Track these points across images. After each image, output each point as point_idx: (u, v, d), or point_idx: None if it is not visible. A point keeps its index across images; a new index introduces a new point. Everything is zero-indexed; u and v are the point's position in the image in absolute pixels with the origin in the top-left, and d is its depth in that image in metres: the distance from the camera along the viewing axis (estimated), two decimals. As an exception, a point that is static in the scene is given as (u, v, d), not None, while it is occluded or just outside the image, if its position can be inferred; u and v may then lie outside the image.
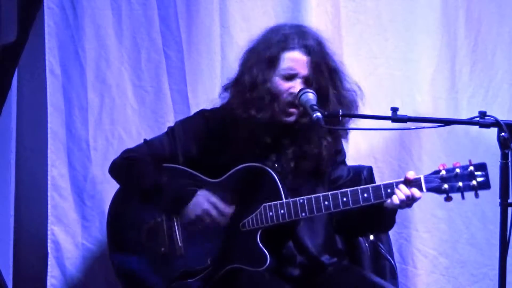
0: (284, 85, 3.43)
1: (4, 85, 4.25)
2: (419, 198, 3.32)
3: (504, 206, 3.07)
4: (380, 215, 3.40)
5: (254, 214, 3.45)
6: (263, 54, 3.45)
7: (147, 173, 3.57)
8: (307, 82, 3.43)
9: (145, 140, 3.68)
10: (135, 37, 4.35)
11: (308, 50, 3.43)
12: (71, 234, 4.36)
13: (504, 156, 3.06)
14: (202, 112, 3.64)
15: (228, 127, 3.50)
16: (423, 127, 3.28)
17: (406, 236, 4.28)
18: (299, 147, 3.48)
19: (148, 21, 4.34)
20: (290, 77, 3.43)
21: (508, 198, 3.07)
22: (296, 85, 3.42)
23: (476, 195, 3.26)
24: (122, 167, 3.64)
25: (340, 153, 3.61)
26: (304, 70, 3.43)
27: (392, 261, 3.98)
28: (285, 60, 3.43)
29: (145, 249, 3.59)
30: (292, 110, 3.43)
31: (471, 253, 4.26)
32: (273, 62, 3.43)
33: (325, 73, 3.45)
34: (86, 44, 4.34)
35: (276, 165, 3.50)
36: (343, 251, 3.67)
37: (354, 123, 3.49)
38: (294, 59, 3.43)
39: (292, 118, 3.44)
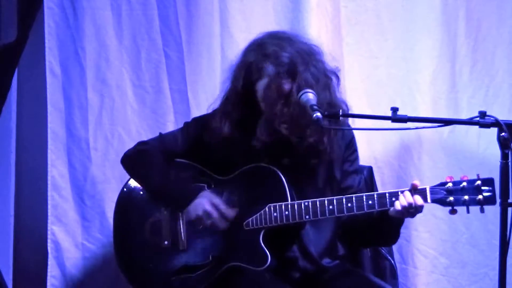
0: (270, 108, 3.41)
1: (4, 85, 4.25)
2: (421, 206, 3.30)
3: (504, 206, 3.06)
4: (384, 225, 3.40)
5: (258, 214, 3.45)
6: (238, 87, 3.45)
7: (156, 167, 3.61)
8: (288, 98, 3.39)
9: (160, 134, 3.70)
10: (135, 37, 4.35)
11: (281, 74, 3.38)
12: (71, 234, 4.36)
13: (504, 156, 3.05)
14: (217, 111, 3.64)
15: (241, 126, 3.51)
16: (423, 127, 3.28)
17: (406, 236, 4.28)
18: (309, 150, 3.47)
19: (148, 21, 4.34)
20: (271, 101, 3.41)
21: (508, 198, 3.06)
22: (280, 106, 3.40)
23: (482, 210, 3.26)
24: (133, 159, 3.68)
25: (352, 163, 3.59)
26: (279, 91, 3.40)
27: (392, 261, 3.98)
28: (259, 89, 3.41)
29: (149, 242, 3.61)
30: (285, 125, 3.42)
31: (471, 253, 4.26)
32: (248, 92, 3.43)
33: (298, 80, 3.40)
34: (86, 44, 4.34)
35: (286, 167, 3.49)
36: (345, 256, 3.67)
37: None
38: (266, 88, 3.40)
39: (288, 131, 3.43)
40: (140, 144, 3.72)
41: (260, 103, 3.44)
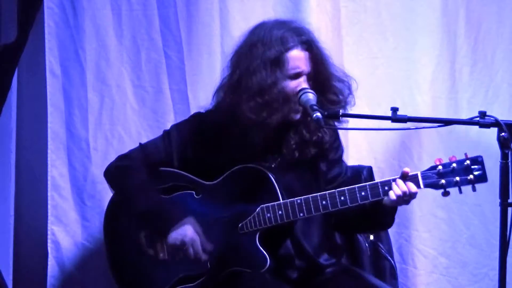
0: (291, 84, 3.42)
1: (4, 85, 4.25)
2: (415, 193, 3.32)
3: (504, 206, 3.07)
4: (378, 213, 3.40)
5: (251, 216, 3.44)
6: (265, 55, 3.41)
7: (138, 187, 3.55)
8: (310, 77, 3.43)
9: (140, 144, 3.67)
10: (135, 37, 4.35)
11: (306, 46, 3.43)
12: (71, 234, 4.36)
13: (504, 156, 3.06)
14: (197, 115, 3.63)
15: (223, 128, 3.49)
16: (423, 127, 3.29)
17: (406, 236, 4.28)
18: (298, 138, 3.47)
19: (148, 21, 4.34)
20: (295, 76, 3.42)
21: (508, 198, 3.07)
22: (302, 83, 3.41)
23: (473, 189, 3.27)
24: (115, 175, 3.63)
25: (336, 150, 3.59)
26: (306, 67, 3.43)
27: (392, 261, 3.98)
28: (289, 60, 3.41)
29: (144, 255, 3.57)
30: (299, 107, 3.42)
31: (471, 253, 4.26)
32: (277, 63, 3.41)
33: (321, 65, 3.45)
34: (86, 44, 4.34)
35: (273, 165, 3.49)
36: (342, 248, 3.67)
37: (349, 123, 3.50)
38: (297, 58, 3.41)
39: (299, 115, 3.44)
40: (122, 158, 3.65)
41: (283, 78, 3.40)
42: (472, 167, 3.27)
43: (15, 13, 4.18)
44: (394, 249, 4.15)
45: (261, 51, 3.42)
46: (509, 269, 3.16)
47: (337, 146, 3.59)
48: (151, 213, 3.51)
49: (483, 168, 3.26)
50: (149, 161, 3.59)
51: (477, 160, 3.27)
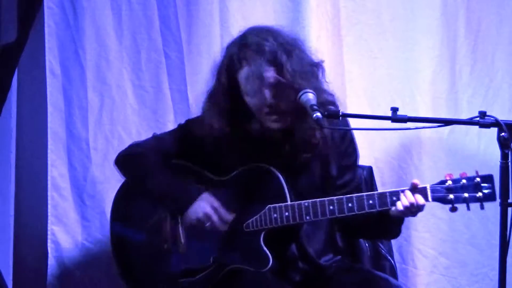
0: (254, 100, 3.40)
1: (4, 85, 4.25)
2: (423, 206, 3.30)
3: (504, 206, 3.07)
4: (385, 223, 3.40)
5: (258, 215, 3.44)
6: (222, 80, 3.44)
7: (153, 169, 3.58)
8: (276, 85, 3.38)
9: (154, 135, 3.69)
10: (135, 37, 4.35)
11: (262, 62, 3.36)
12: (71, 234, 4.36)
13: (504, 156, 3.06)
14: (204, 111, 3.64)
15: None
16: (423, 127, 3.28)
17: (406, 236, 4.28)
18: (297, 142, 3.47)
19: (148, 21, 4.34)
20: (256, 92, 3.39)
21: (508, 198, 3.06)
22: (265, 95, 3.37)
23: (482, 207, 3.26)
24: (127, 161, 3.66)
25: (350, 156, 3.57)
26: (262, 79, 3.37)
27: (392, 261, 3.97)
28: (241, 81, 3.39)
29: (147, 245, 3.59)
30: (275, 117, 3.41)
31: (471, 253, 4.26)
32: (233, 86, 3.41)
33: (281, 68, 3.39)
34: (86, 44, 4.34)
35: (279, 166, 3.48)
36: (344, 249, 3.67)
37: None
38: (246, 77, 3.38)
39: (278, 125, 3.42)
40: (134, 145, 3.69)
41: (245, 96, 3.41)
42: (482, 185, 3.26)
43: (15, 13, 4.18)
44: (394, 249, 4.14)
45: (219, 74, 3.45)
46: (509, 269, 3.15)
47: (351, 151, 3.57)
48: (167, 192, 3.53)
49: (492, 187, 3.25)
50: (161, 152, 3.61)
51: (488, 178, 3.26)
